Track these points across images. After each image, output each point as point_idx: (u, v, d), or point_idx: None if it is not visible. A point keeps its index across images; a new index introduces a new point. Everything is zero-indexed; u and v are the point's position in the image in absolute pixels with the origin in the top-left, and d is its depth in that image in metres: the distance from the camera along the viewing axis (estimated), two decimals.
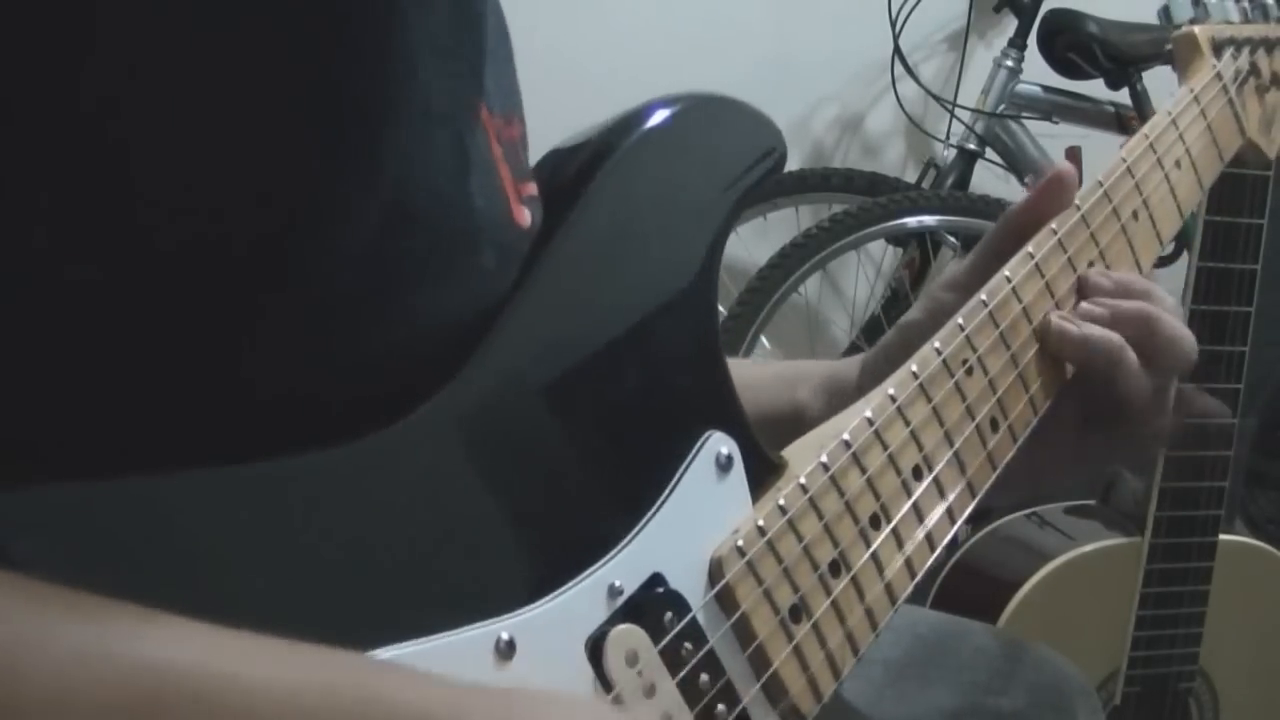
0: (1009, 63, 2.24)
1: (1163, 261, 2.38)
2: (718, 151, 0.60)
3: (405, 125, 0.47)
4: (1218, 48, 0.87)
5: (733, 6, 2.31)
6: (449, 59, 0.49)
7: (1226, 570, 1.40)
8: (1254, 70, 0.89)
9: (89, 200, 0.42)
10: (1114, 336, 0.68)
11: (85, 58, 0.41)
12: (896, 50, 2.22)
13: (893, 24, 2.21)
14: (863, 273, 2.38)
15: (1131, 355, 0.68)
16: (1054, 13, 2.19)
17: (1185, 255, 2.19)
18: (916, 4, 2.21)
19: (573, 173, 0.56)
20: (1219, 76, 0.85)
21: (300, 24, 0.44)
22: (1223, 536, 1.41)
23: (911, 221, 2.10)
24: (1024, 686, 0.87)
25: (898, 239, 2.23)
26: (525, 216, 0.54)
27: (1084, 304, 0.70)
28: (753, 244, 2.17)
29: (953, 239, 2.18)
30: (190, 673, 0.39)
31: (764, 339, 2.13)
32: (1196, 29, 0.86)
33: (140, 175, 0.42)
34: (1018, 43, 2.24)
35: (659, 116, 0.58)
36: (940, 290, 0.72)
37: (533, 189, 0.56)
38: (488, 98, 0.53)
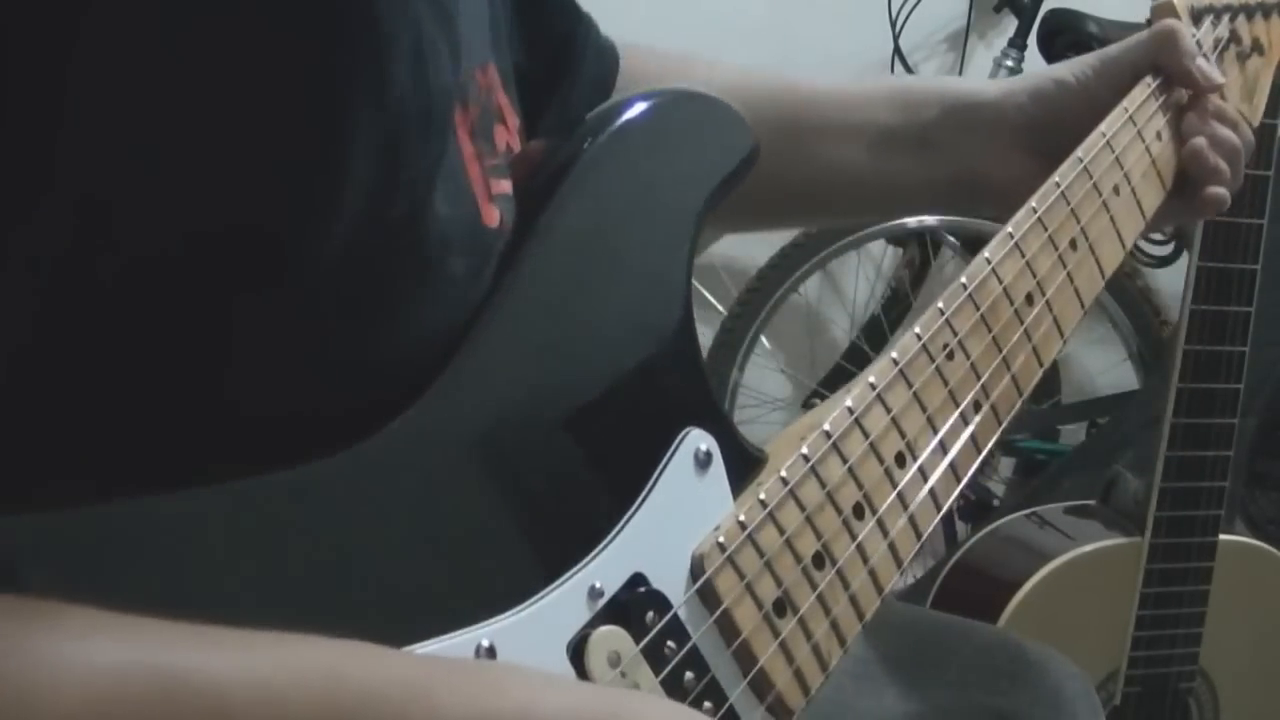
0: (1009, 63, 2.24)
1: (1162, 262, 2.39)
2: (691, 148, 0.60)
3: (377, 130, 0.46)
4: (1197, 16, 0.86)
5: (733, 6, 2.31)
6: (425, 59, 0.49)
7: (1226, 570, 1.40)
8: (1234, 37, 0.88)
9: (64, 212, 0.41)
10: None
11: (67, 55, 0.40)
12: (896, 50, 2.22)
13: (893, 24, 2.21)
14: (863, 273, 2.38)
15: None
16: (1054, 13, 2.19)
17: (1185, 255, 2.19)
18: (916, 4, 2.21)
19: (547, 170, 0.56)
20: (1199, 45, 0.84)
21: (280, 27, 0.43)
22: (1223, 536, 1.41)
23: (911, 221, 2.10)
24: (1025, 686, 0.87)
25: (898, 239, 2.23)
26: (494, 217, 0.54)
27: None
28: (753, 244, 2.17)
29: (953, 239, 2.18)
30: (158, 666, 0.39)
31: (764, 339, 2.14)
32: None
33: (114, 187, 0.42)
34: (1018, 43, 2.24)
35: (632, 112, 0.58)
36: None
37: (506, 187, 0.56)
38: (465, 59, 0.53)
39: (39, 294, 0.42)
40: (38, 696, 0.37)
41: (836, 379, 2.28)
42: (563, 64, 0.71)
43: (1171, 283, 2.09)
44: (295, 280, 0.45)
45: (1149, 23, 0.84)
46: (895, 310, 2.25)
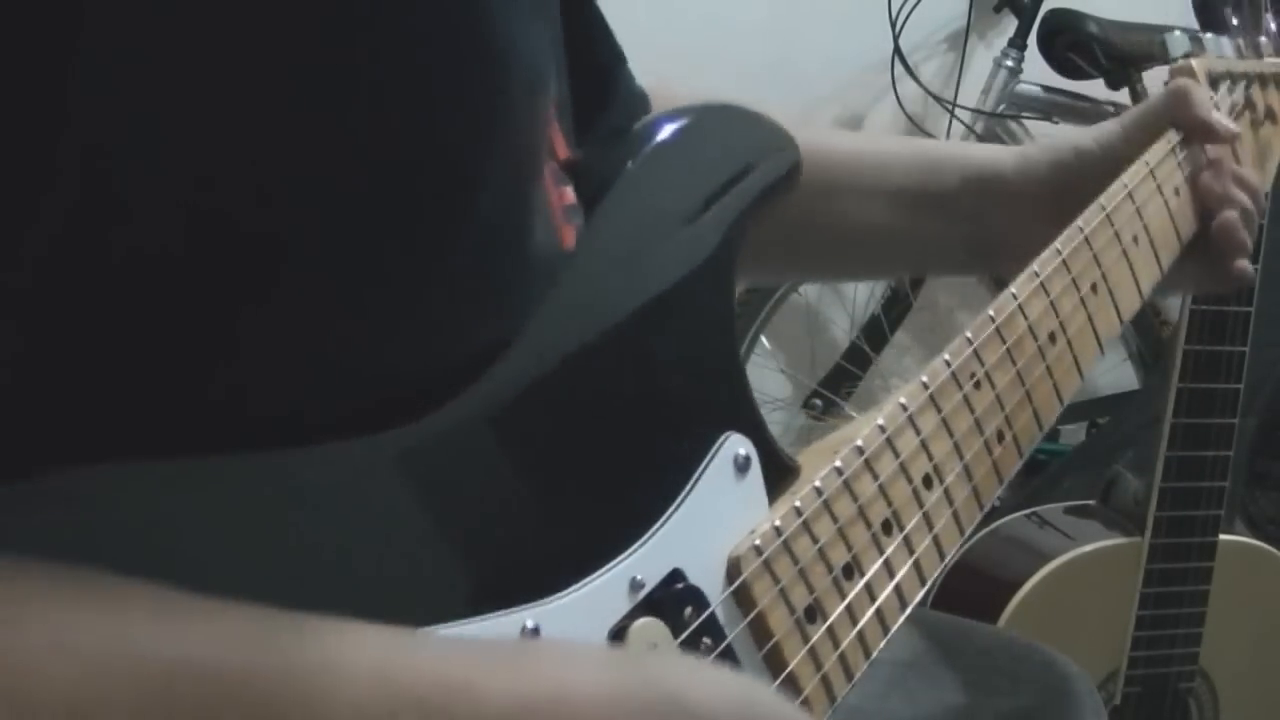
0: (1009, 63, 2.24)
1: None
2: (734, 160, 0.61)
3: (494, 180, 0.47)
4: (1214, 80, 0.89)
5: (733, 7, 2.31)
6: (537, 97, 0.50)
7: (1226, 570, 1.41)
8: (1249, 104, 0.91)
9: (68, 209, 0.41)
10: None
11: (71, 51, 0.39)
12: (896, 50, 2.22)
13: (893, 24, 2.21)
14: None
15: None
16: (1054, 13, 2.19)
17: None
18: (916, 4, 2.21)
19: (592, 183, 0.57)
20: (1216, 108, 0.86)
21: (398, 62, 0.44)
22: (1223, 536, 1.41)
23: None
24: (1028, 687, 0.87)
25: None
26: (570, 238, 0.55)
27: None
28: None
29: None
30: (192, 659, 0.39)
31: (764, 339, 2.14)
32: (1194, 61, 0.88)
33: (126, 180, 0.41)
34: (1018, 43, 2.24)
35: (675, 125, 0.59)
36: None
37: (571, 196, 0.57)
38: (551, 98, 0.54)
39: (44, 291, 0.41)
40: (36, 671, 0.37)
41: (836, 379, 2.28)
42: (598, 100, 0.71)
43: None
44: (396, 295, 0.46)
45: (1168, 85, 0.87)
46: (895, 310, 2.25)
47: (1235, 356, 1.38)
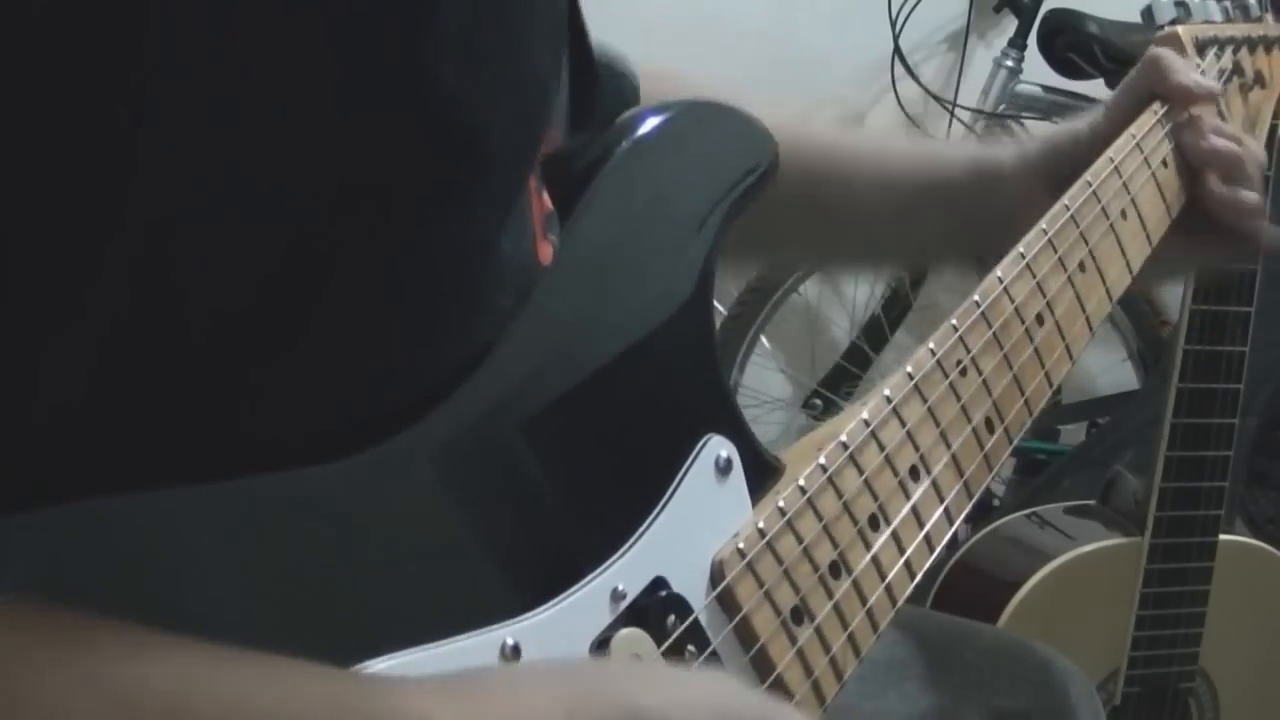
0: (1009, 63, 2.24)
1: None
2: (712, 158, 0.60)
3: (470, 175, 0.47)
4: (1201, 47, 0.87)
5: (733, 6, 2.31)
6: (535, 109, 0.50)
7: (1226, 570, 1.40)
8: (1237, 69, 0.89)
9: (128, 264, 0.41)
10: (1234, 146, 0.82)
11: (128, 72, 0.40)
12: (896, 50, 2.22)
13: (893, 24, 2.20)
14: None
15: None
16: (1054, 13, 2.19)
17: None
18: (916, 4, 2.21)
19: (568, 183, 0.56)
20: (1200, 71, 0.85)
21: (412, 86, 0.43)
22: (1223, 536, 1.41)
23: None
24: (1027, 687, 0.87)
25: None
26: (548, 252, 0.55)
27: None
28: None
29: None
30: (169, 692, 0.39)
31: (764, 339, 2.14)
32: (1180, 29, 0.87)
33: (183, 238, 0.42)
34: (1018, 43, 2.24)
35: (652, 124, 0.58)
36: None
37: (548, 203, 0.56)
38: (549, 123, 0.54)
39: (98, 346, 0.42)
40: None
41: (836, 379, 2.28)
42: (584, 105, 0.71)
43: (1171, 282, 2.09)
44: (356, 307, 0.46)
45: (1145, 55, 0.86)
46: (895, 310, 2.25)
47: (1235, 356, 1.38)
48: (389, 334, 0.47)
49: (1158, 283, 1.00)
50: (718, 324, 2.06)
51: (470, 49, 0.45)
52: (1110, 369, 2.33)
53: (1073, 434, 2.37)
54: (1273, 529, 2.01)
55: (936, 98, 2.27)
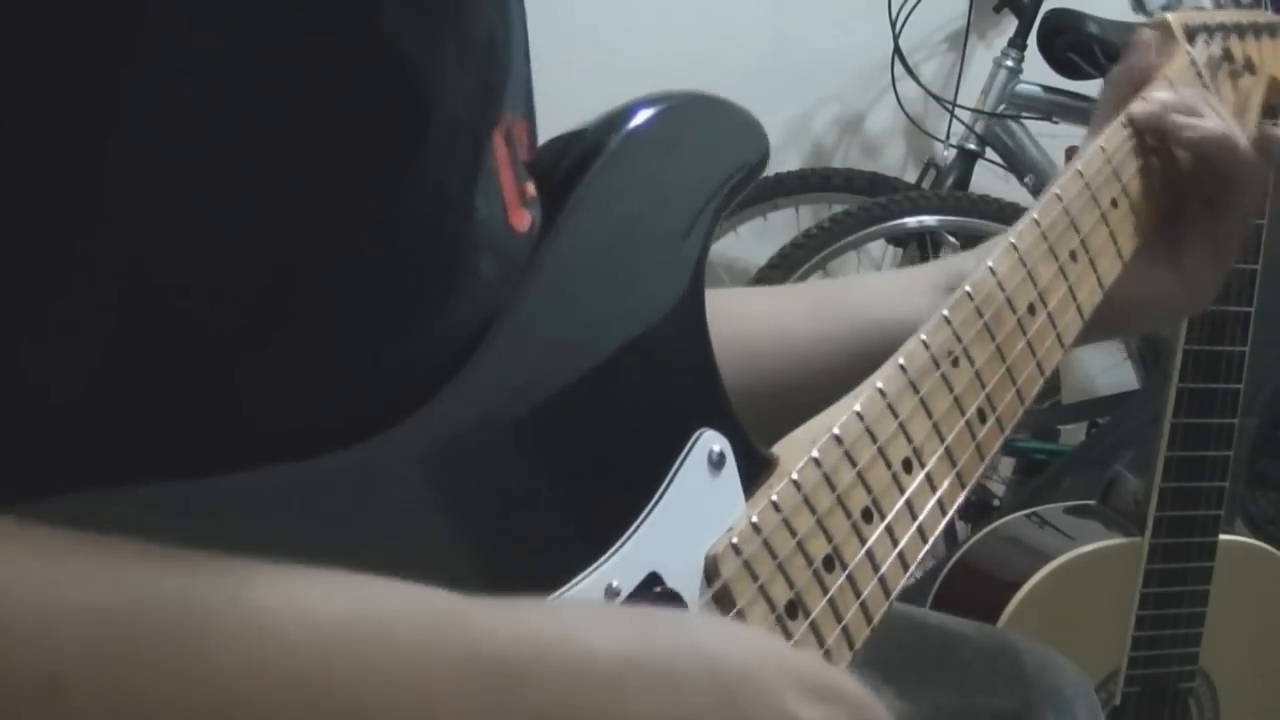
0: (1009, 63, 2.24)
1: None
2: (704, 151, 0.60)
3: (434, 135, 0.46)
4: (1191, 34, 0.87)
5: (732, 6, 2.32)
6: (485, 65, 0.49)
7: (1226, 570, 1.40)
8: (1227, 56, 0.89)
9: (108, 274, 0.41)
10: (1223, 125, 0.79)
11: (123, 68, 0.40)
12: (896, 50, 2.22)
13: (893, 24, 2.21)
14: (862, 273, 2.38)
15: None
16: (1054, 13, 2.19)
17: None
18: (916, 4, 2.21)
19: (560, 174, 0.56)
20: (1193, 63, 0.85)
21: (356, 27, 0.43)
22: (1223, 536, 1.41)
23: (911, 221, 2.10)
24: (1025, 687, 0.87)
25: (898, 239, 2.23)
26: (525, 220, 0.54)
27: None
28: (753, 244, 2.17)
29: (953, 239, 2.18)
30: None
31: None
32: (1170, 16, 0.86)
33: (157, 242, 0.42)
34: (1018, 43, 2.24)
35: (643, 116, 0.58)
36: None
37: (532, 190, 0.56)
38: (510, 101, 0.53)
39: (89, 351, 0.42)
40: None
41: None
42: None
43: None
44: (336, 283, 0.45)
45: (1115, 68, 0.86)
46: None
47: (1235, 356, 1.38)
48: (374, 310, 0.47)
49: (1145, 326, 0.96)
50: None
51: (418, 5, 0.45)
52: (1110, 369, 2.33)
53: (1073, 434, 2.37)
54: (1273, 529, 2.01)
55: (936, 98, 2.27)
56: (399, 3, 0.44)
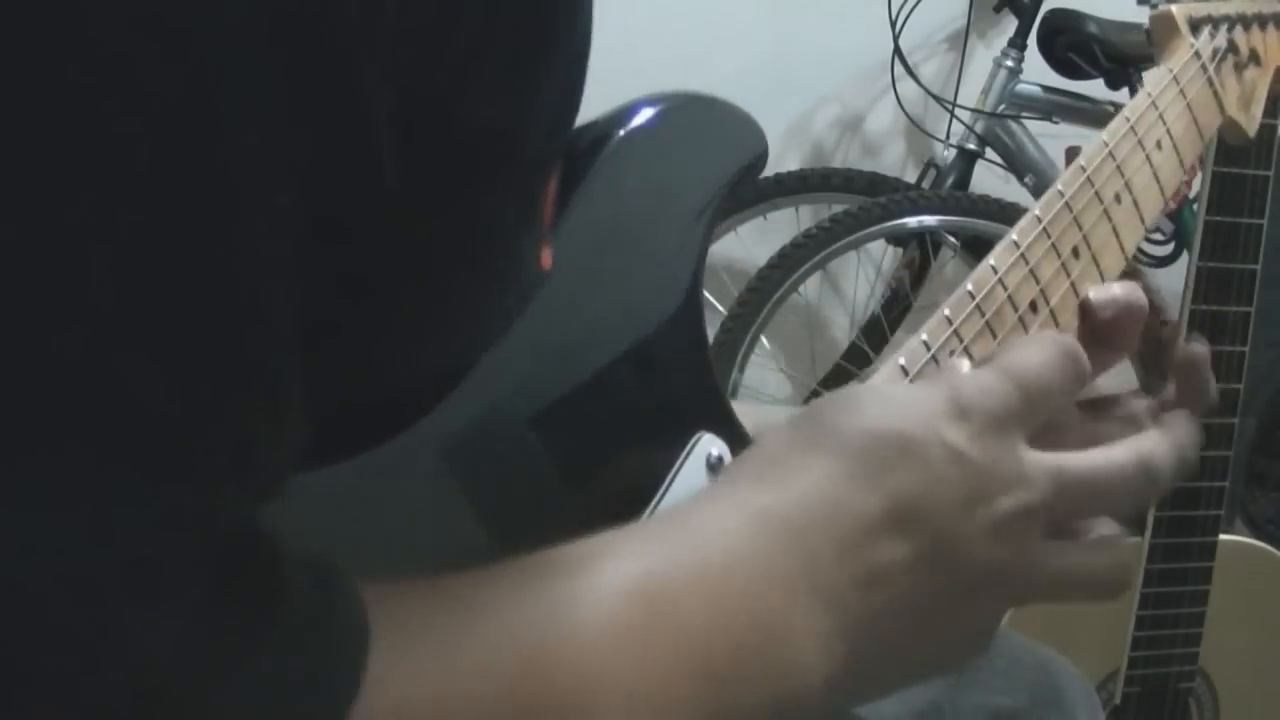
0: (1009, 63, 2.24)
1: (1162, 262, 2.38)
2: (702, 151, 0.60)
3: (513, 183, 0.46)
4: (1195, 26, 0.86)
5: (732, 6, 2.32)
6: (562, 110, 0.49)
7: (1226, 570, 1.40)
8: (1232, 47, 0.88)
9: None
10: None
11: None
12: (896, 50, 2.22)
13: (893, 24, 2.21)
14: (863, 273, 2.38)
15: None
16: (1054, 13, 2.19)
17: (1185, 255, 2.19)
18: (916, 4, 2.21)
19: (559, 175, 0.56)
20: (1197, 55, 0.84)
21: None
22: (1223, 536, 1.41)
23: (911, 221, 2.10)
24: (1024, 686, 0.87)
25: (898, 239, 2.23)
26: (548, 259, 0.54)
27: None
28: (753, 244, 2.17)
29: (953, 239, 2.18)
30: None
31: (764, 339, 2.14)
32: (1174, 8, 0.86)
33: None
34: (1018, 43, 2.24)
35: (641, 117, 0.58)
36: None
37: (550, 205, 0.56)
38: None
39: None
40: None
41: (836, 379, 2.28)
42: None
43: (1171, 283, 2.09)
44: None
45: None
46: (895, 310, 2.25)
47: (1235, 356, 1.38)
48: (413, 335, 0.47)
49: None
50: (718, 324, 2.07)
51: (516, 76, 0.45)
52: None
53: None
54: (1273, 529, 2.01)
55: (936, 98, 2.27)
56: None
